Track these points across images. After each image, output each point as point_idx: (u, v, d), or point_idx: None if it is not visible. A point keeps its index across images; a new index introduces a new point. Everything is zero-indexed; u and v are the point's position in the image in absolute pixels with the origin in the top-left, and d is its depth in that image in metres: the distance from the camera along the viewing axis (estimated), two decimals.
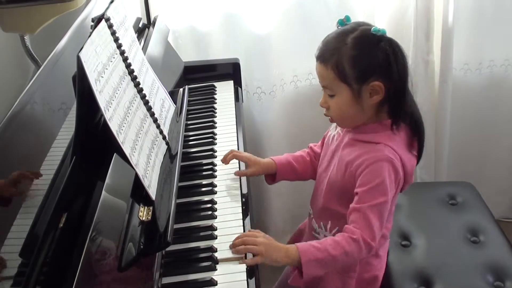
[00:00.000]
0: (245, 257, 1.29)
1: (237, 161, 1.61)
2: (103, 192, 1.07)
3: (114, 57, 1.29)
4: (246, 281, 1.22)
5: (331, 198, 1.46)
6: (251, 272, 1.25)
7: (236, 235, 1.33)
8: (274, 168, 1.57)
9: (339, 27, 1.38)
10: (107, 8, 1.36)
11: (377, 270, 1.52)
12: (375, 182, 1.32)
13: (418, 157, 1.43)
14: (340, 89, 1.34)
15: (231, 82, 2.08)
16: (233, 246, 1.31)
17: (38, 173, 1.12)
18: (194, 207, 1.45)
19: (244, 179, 1.56)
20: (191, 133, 1.76)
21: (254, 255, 1.29)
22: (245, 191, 1.51)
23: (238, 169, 1.59)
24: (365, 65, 1.32)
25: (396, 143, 1.36)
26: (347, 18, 1.38)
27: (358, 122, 1.39)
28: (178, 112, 1.64)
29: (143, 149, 1.29)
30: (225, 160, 1.57)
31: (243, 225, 1.37)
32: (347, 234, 1.31)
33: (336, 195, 1.44)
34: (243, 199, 1.48)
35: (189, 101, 1.87)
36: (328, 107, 1.39)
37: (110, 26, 1.32)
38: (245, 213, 1.43)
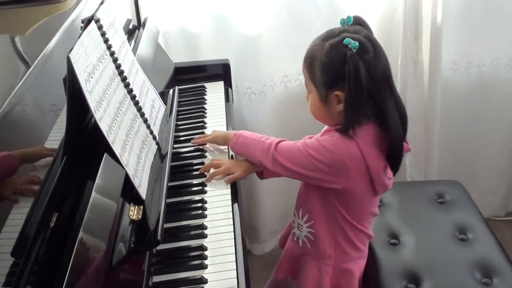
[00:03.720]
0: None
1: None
2: (94, 191, 1.07)
3: (104, 58, 1.30)
4: (236, 279, 1.23)
5: (304, 185, 1.54)
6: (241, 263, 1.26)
7: (227, 235, 1.35)
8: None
9: (339, 27, 1.39)
10: (97, 9, 1.37)
11: (354, 264, 1.54)
12: (323, 139, 1.39)
13: (391, 163, 1.41)
14: (312, 89, 1.40)
15: (221, 83, 2.09)
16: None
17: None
18: (184, 206, 1.46)
19: None
20: (181, 134, 1.76)
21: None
22: (235, 190, 1.52)
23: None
24: (331, 73, 1.34)
25: (359, 138, 1.36)
26: (349, 19, 1.38)
27: (328, 123, 1.45)
28: (168, 113, 1.65)
29: (133, 149, 1.30)
30: (208, 180, 1.56)
31: (233, 224, 1.38)
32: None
33: (306, 183, 1.52)
34: (233, 198, 1.48)
35: (179, 101, 1.88)
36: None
37: (100, 27, 1.33)
38: (235, 212, 1.44)
